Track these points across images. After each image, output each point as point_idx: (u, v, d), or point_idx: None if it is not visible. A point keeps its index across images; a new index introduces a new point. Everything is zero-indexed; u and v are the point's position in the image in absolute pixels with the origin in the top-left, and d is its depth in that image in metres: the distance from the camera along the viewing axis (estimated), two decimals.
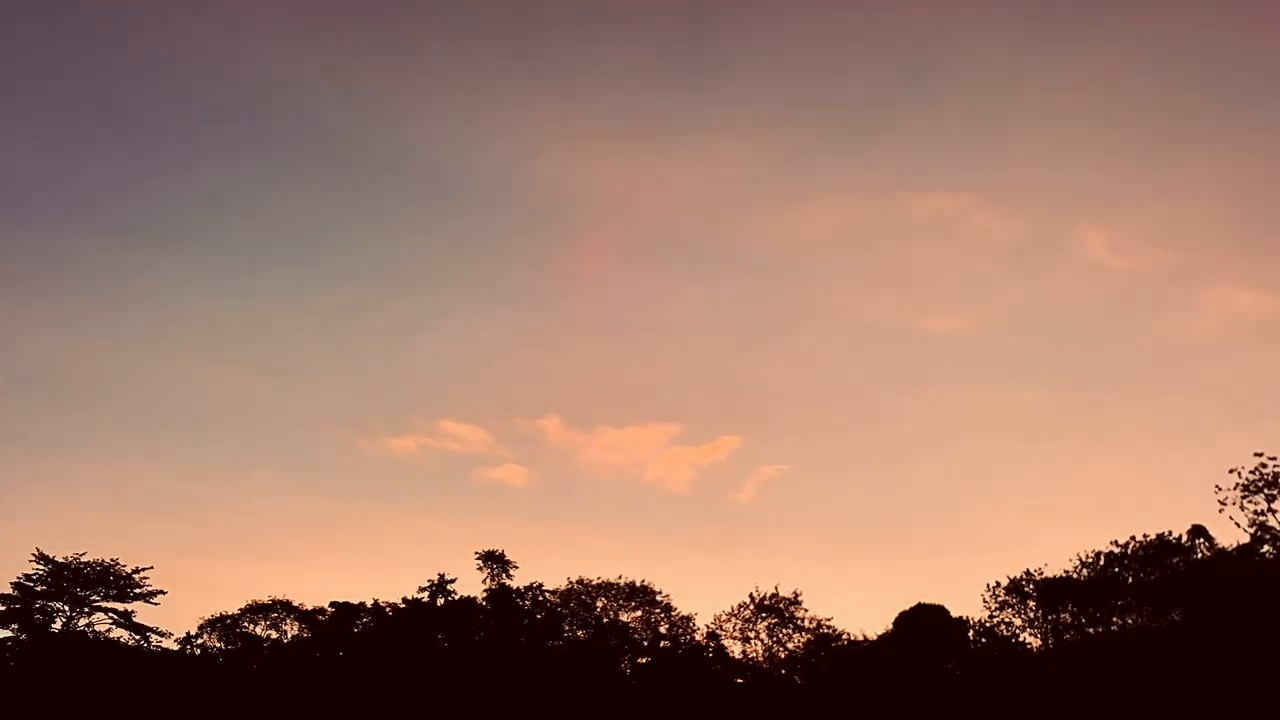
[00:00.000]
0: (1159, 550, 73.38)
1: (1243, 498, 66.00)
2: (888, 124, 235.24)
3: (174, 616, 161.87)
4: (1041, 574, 76.99)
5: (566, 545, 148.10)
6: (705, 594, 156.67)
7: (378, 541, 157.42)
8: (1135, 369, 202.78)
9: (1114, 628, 71.47)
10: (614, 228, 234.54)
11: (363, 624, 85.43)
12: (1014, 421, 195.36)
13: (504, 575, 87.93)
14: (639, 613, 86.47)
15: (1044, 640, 75.13)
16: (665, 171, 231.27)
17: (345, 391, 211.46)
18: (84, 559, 78.15)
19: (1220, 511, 66.90)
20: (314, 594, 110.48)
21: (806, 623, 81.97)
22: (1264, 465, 65.37)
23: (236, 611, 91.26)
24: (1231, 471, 66.16)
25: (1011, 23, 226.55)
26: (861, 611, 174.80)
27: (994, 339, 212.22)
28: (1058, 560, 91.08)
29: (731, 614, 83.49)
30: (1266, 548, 65.87)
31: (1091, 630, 72.51)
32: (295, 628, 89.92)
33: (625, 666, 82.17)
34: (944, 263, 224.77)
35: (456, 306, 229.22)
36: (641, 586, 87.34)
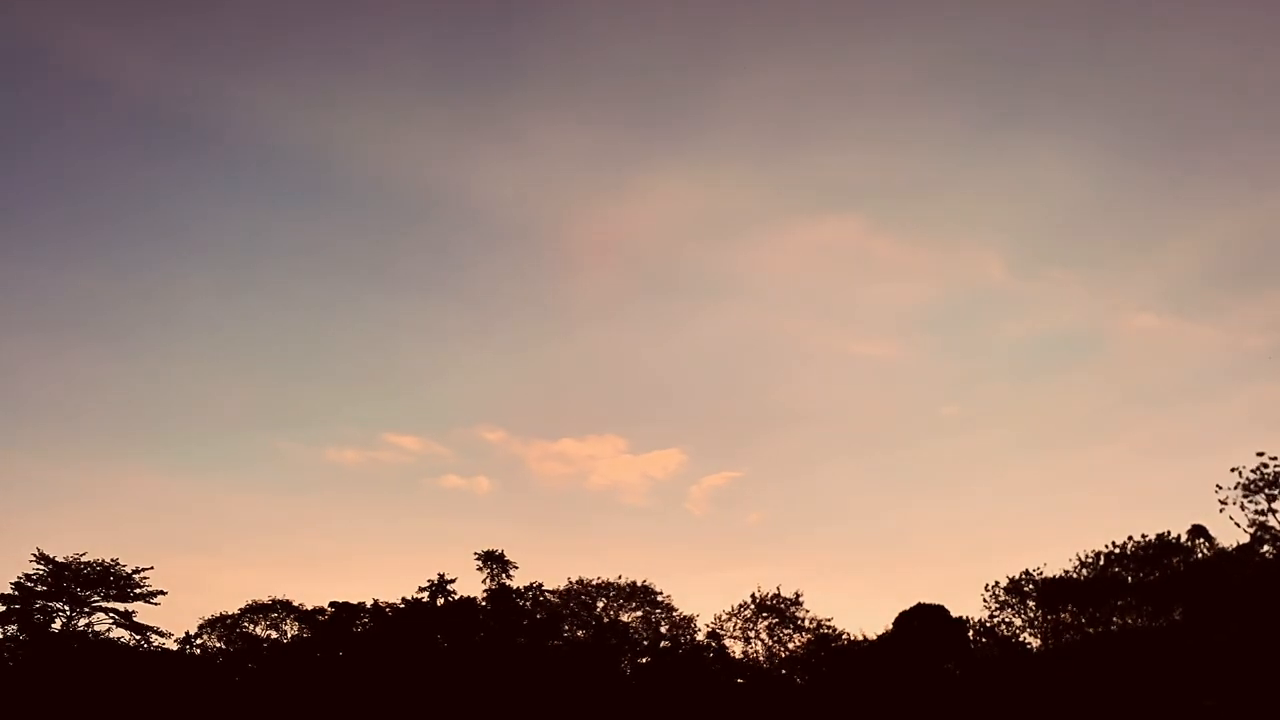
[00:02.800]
0: (1159, 550, 73.37)
1: (1244, 497, 65.86)
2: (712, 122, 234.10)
3: (174, 616, 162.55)
4: (1041, 574, 77.06)
5: (524, 550, 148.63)
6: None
7: (342, 549, 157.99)
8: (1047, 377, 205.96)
9: (1114, 628, 71.46)
10: (526, 241, 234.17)
11: (362, 624, 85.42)
12: (946, 427, 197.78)
13: (504, 575, 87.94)
14: (639, 613, 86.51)
15: (1044, 640, 75.14)
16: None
17: (289, 401, 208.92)
18: (84, 559, 78.07)
19: (1221, 511, 66.79)
20: (313, 594, 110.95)
21: (807, 623, 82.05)
22: (1265, 465, 65.27)
23: (236, 611, 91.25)
24: (1233, 470, 66.03)
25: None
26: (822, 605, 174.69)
27: (923, 362, 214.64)
28: (1057, 560, 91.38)
29: (732, 614, 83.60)
30: (1266, 548, 65.79)
31: (1091, 630, 72.50)
32: (295, 628, 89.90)
33: (625, 666, 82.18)
34: (839, 276, 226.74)
35: (384, 316, 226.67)
36: (642, 586, 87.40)
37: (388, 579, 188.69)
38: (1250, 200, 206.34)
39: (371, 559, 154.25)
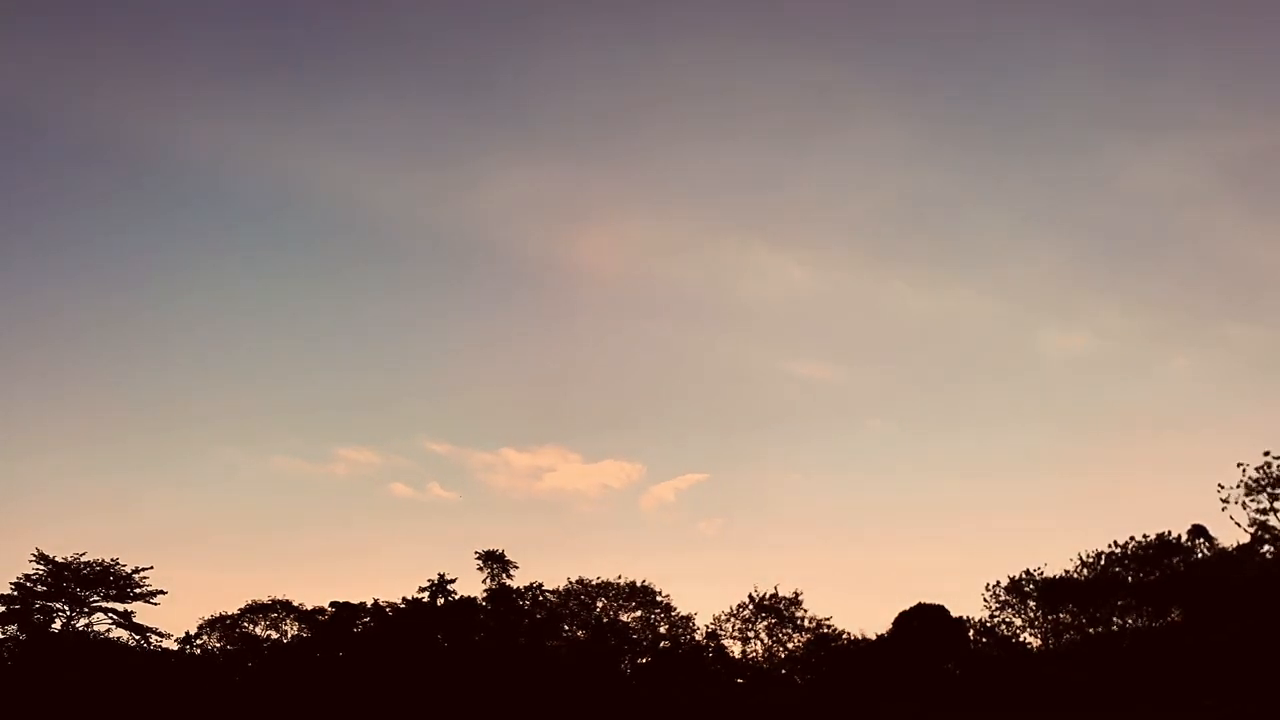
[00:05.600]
0: (1159, 550, 73.36)
1: (1246, 496, 65.39)
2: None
3: (174, 617, 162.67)
4: (1042, 574, 77.10)
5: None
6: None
7: (309, 556, 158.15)
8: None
9: (1114, 628, 71.46)
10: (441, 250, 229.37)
11: (363, 624, 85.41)
12: (872, 445, 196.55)
13: (504, 575, 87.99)
14: (639, 613, 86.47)
15: (1044, 640, 75.17)
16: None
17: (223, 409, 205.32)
18: (84, 559, 77.99)
19: (1223, 510, 66.35)
20: (312, 594, 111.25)
21: (806, 623, 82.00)
22: (1269, 464, 64.72)
23: (236, 611, 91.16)
24: (1239, 466, 65.41)
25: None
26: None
27: (857, 381, 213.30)
28: (1058, 560, 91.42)
29: (731, 614, 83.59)
30: (1267, 548, 65.60)
31: (1091, 630, 72.52)
32: (295, 628, 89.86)
33: (625, 666, 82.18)
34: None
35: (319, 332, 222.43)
36: (641, 586, 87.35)
37: (357, 585, 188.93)
38: (1110, 190, 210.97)
39: (338, 566, 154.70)
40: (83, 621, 77.67)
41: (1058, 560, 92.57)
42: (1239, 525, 65.16)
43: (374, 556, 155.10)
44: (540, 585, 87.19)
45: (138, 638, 78.54)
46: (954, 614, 76.40)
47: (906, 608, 76.73)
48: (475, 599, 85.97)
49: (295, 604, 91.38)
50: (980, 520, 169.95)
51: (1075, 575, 75.70)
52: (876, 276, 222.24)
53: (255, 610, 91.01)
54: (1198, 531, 74.00)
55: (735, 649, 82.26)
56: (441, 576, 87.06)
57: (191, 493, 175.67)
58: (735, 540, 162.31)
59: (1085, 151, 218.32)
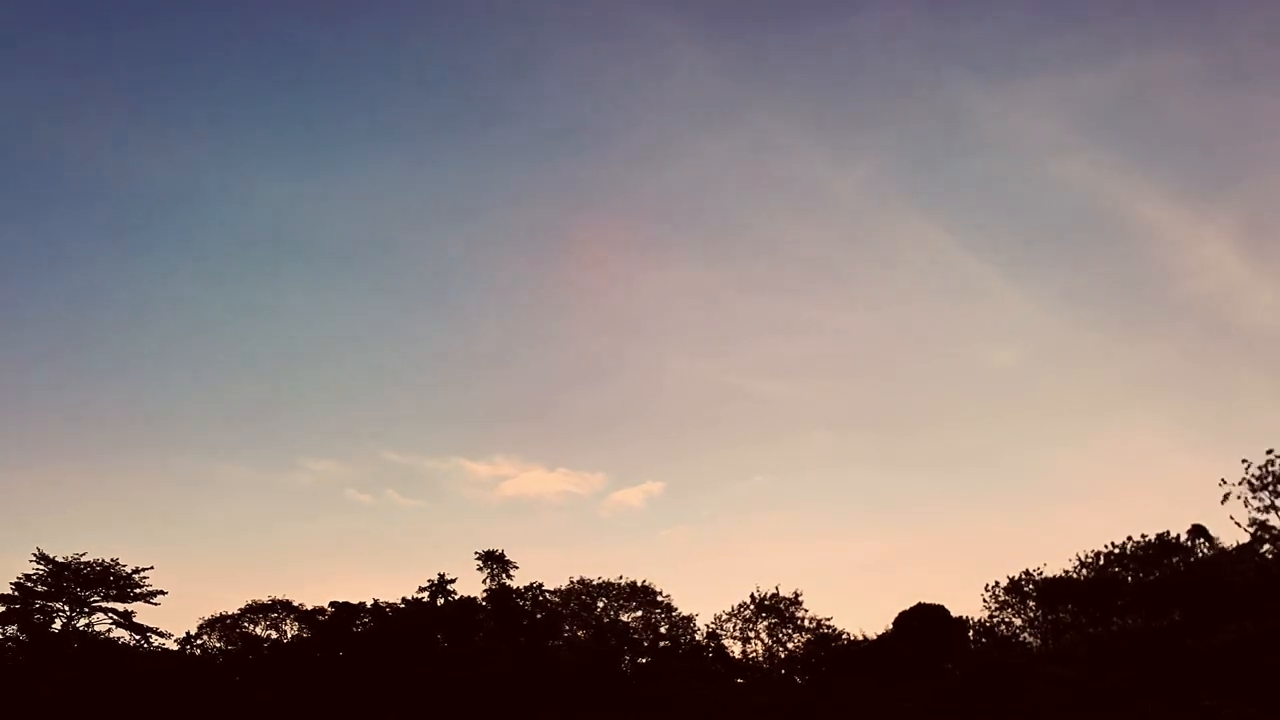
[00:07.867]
0: (1159, 550, 73.40)
1: (1249, 493, 65.13)
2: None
3: (174, 617, 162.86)
4: (1041, 574, 77.13)
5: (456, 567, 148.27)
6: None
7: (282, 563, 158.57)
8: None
9: (1114, 628, 71.45)
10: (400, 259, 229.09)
11: (363, 624, 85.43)
12: (814, 457, 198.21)
13: (504, 575, 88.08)
14: (639, 613, 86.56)
15: (1044, 640, 75.17)
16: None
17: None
18: (84, 559, 78.00)
19: (1223, 503, 66.03)
20: (311, 594, 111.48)
21: (806, 623, 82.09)
22: (1272, 462, 64.45)
23: (236, 611, 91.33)
24: (1243, 461, 65.04)
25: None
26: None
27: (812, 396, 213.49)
28: (1057, 561, 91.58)
29: (732, 614, 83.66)
30: (1266, 547, 65.51)
31: (1092, 630, 72.51)
32: (295, 628, 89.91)
33: (626, 666, 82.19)
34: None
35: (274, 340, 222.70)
36: (642, 586, 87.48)
37: (350, 586, 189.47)
38: (971, 142, 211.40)
39: (328, 567, 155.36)
40: (83, 621, 77.73)
41: (1056, 561, 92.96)
42: (1239, 525, 65.15)
43: (354, 559, 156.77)
44: (540, 585, 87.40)
45: (138, 638, 78.57)
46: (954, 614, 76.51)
47: (906, 608, 76.89)
48: (475, 599, 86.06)
49: (295, 604, 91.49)
50: (958, 522, 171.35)
51: (1075, 575, 75.75)
52: (793, 287, 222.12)
53: (255, 610, 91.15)
54: (1198, 531, 74.02)
55: (735, 649, 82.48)
56: (441, 576, 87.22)
57: (169, 498, 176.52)
58: (699, 544, 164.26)
59: (933, 95, 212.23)
